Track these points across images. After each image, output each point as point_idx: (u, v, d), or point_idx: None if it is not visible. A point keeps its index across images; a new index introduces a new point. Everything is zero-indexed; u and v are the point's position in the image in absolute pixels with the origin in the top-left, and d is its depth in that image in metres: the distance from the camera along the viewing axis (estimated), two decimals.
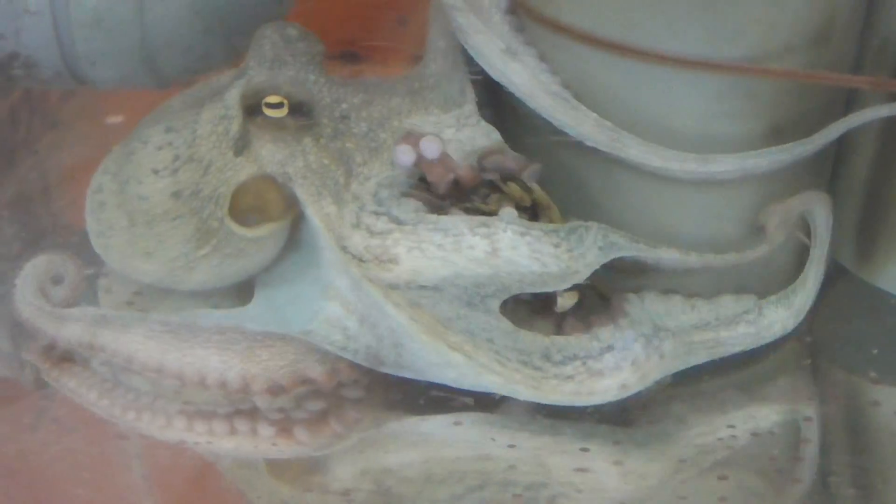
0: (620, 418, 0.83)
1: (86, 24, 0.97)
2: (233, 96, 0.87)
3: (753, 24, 0.79)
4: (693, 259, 0.82)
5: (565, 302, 0.81)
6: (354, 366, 0.84)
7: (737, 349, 0.84)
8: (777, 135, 0.83)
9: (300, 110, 0.87)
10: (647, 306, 0.83)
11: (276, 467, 0.82)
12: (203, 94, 0.92)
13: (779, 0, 0.79)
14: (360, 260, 0.82)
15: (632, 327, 0.81)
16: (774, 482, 0.80)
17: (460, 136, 0.87)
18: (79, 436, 0.84)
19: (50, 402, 0.87)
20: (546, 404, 0.81)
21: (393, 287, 0.81)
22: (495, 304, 0.81)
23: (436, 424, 0.83)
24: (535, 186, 0.84)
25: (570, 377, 0.80)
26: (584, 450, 0.81)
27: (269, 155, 0.87)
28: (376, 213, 0.83)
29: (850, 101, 0.88)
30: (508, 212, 0.82)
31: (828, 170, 0.90)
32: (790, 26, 0.80)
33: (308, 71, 0.88)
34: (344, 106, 0.87)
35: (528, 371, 0.80)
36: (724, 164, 0.81)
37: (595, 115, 0.82)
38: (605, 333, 0.81)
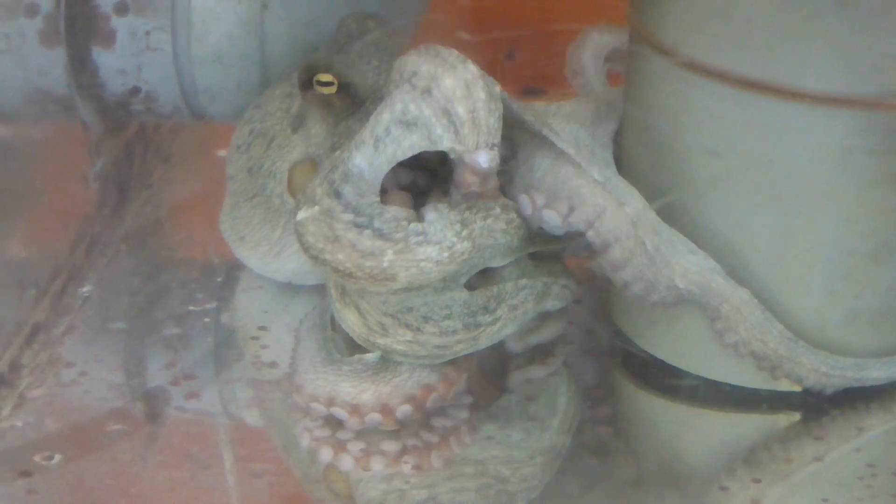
0: (757, 454, 0.84)
1: (207, 61, 0.98)
2: (298, 75, 0.88)
3: (892, 59, 0.79)
4: None
5: None
6: (456, 368, 0.84)
7: None
8: None
9: (348, 91, 0.87)
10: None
11: (330, 478, 0.83)
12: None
13: None
14: (350, 275, 0.78)
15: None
16: None
17: None
18: (188, 467, 0.83)
19: (160, 433, 0.87)
20: None
21: (379, 294, 0.80)
22: (464, 280, 0.81)
23: None
24: None
25: (498, 319, 0.83)
26: (724, 488, 0.81)
27: (317, 134, 0.88)
28: (357, 226, 0.77)
29: None
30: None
31: None
32: None
33: (372, 56, 0.87)
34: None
35: (469, 333, 0.82)
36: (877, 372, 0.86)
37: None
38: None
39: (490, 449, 0.84)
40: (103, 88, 0.99)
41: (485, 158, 0.76)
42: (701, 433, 0.88)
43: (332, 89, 0.86)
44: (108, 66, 0.98)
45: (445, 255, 0.77)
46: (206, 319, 0.95)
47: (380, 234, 0.77)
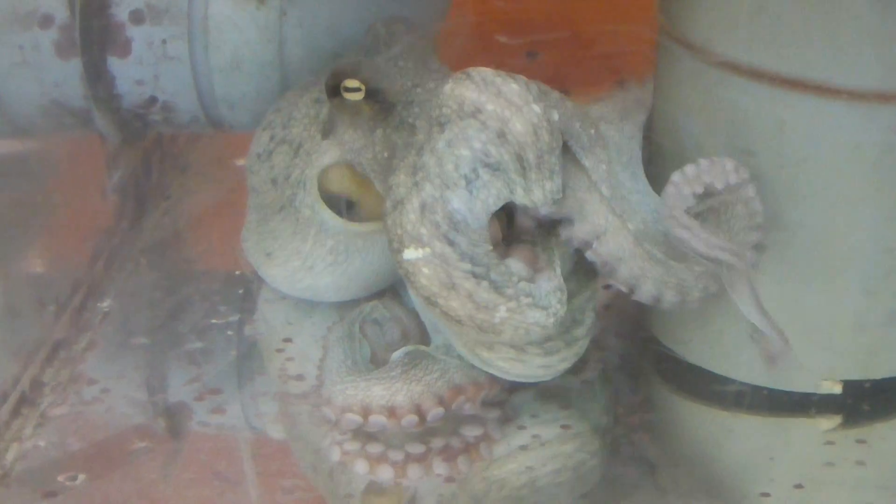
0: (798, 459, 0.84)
1: (225, 69, 0.96)
2: (325, 81, 0.87)
3: None
4: None
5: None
6: (491, 377, 0.84)
7: None
8: None
9: (376, 97, 0.86)
10: None
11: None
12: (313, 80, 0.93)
13: None
14: (459, 322, 0.78)
15: None
16: None
17: None
18: (216, 484, 0.82)
19: (185, 450, 0.86)
20: None
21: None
22: None
23: None
24: None
25: (588, 329, 0.84)
26: (765, 494, 0.80)
27: (351, 141, 0.87)
28: (475, 276, 0.77)
29: None
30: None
31: None
32: None
33: (400, 58, 0.86)
34: (418, 90, 0.84)
35: (570, 349, 0.83)
36: None
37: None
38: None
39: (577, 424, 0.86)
40: (120, 99, 0.98)
41: (545, 212, 0.79)
42: (741, 438, 0.87)
43: (360, 95, 0.86)
44: (124, 76, 0.97)
45: (551, 321, 0.78)
46: (229, 332, 0.94)
47: (495, 287, 0.77)
